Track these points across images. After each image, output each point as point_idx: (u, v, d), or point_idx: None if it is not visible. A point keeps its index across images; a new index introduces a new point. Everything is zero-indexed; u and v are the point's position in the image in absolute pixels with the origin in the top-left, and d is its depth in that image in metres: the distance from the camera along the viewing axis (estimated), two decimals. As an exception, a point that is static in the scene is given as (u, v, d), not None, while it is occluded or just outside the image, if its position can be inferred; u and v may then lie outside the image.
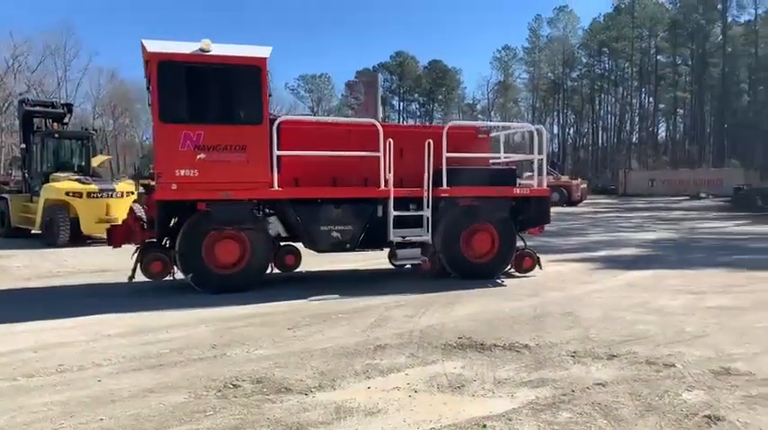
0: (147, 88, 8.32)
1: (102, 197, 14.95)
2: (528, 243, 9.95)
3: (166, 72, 7.67)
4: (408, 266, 9.97)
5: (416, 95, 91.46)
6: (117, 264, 10.01)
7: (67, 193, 14.75)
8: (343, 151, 8.69)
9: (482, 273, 9.16)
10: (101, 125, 60.70)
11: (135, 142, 75.25)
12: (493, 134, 10.77)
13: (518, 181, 10.07)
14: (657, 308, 7.22)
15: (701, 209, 33.57)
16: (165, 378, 4.62)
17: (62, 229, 14.39)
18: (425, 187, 8.85)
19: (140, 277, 8.25)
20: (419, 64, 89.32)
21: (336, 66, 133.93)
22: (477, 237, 9.25)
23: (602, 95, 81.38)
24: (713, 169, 54.37)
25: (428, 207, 8.88)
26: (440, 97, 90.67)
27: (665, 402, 4.08)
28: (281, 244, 9.05)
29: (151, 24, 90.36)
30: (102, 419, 3.84)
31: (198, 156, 7.73)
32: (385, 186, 8.70)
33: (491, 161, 10.31)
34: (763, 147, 49.43)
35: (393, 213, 8.73)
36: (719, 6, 63.61)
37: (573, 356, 5.17)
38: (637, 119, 76.13)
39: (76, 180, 15.24)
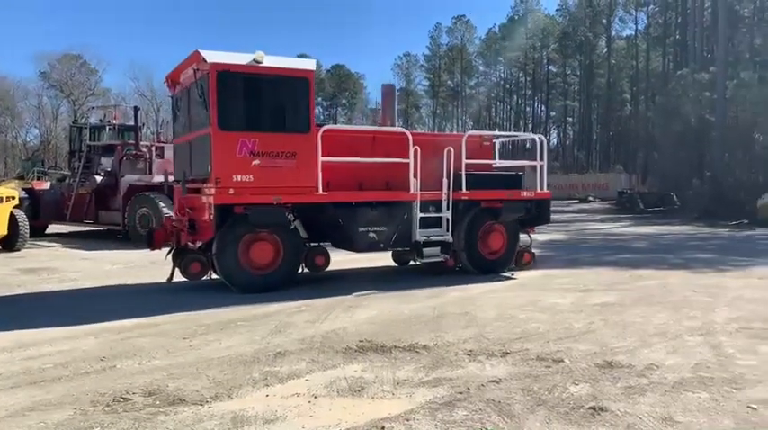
0: (191, 97, 8.75)
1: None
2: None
3: (225, 82, 8.03)
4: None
5: (320, 99, 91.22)
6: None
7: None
8: (378, 158, 9.38)
9: (494, 269, 10.21)
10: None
11: (17, 143, 70.28)
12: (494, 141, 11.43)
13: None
14: (548, 306, 7.57)
15: (589, 211, 35.61)
16: (47, 394, 4.34)
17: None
18: (445, 190, 9.61)
19: (15, 290, 7.72)
20: (322, 68, 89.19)
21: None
22: (491, 235, 10.23)
23: (498, 103, 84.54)
24: (600, 174, 57.65)
25: (448, 209, 9.64)
26: (343, 101, 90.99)
27: (553, 396, 4.28)
28: (312, 245, 9.34)
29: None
30: (-27, 443, 3.55)
31: (253, 163, 8.16)
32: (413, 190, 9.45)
33: (494, 166, 10.99)
34: (643, 153, 53.01)
35: (419, 215, 9.45)
36: (604, 21, 67.70)
37: (469, 355, 5.32)
38: (530, 126, 79.58)
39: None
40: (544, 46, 76.40)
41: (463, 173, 9.78)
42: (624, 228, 22.73)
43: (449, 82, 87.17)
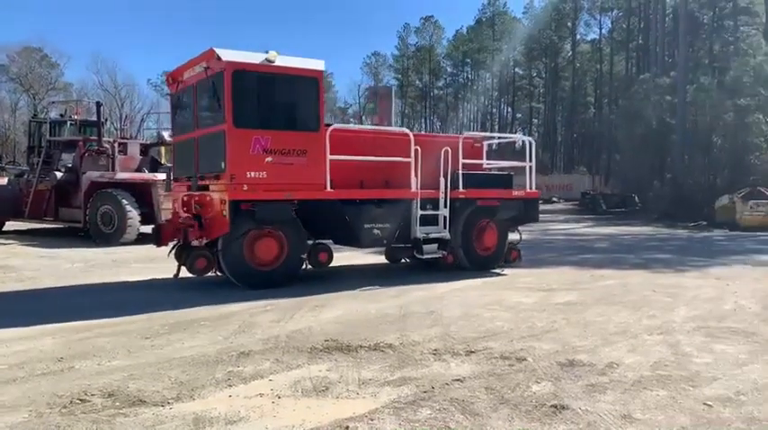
0: (199, 94, 8.85)
1: None
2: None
3: (240, 81, 8.15)
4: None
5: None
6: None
7: None
8: (379, 157, 9.56)
9: (487, 265, 10.70)
10: None
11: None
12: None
13: None
14: (512, 305, 7.65)
15: (553, 212, 36.12)
16: (1, 397, 4.21)
17: None
18: (442, 189, 9.99)
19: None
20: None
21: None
22: (485, 233, 10.66)
23: (465, 104, 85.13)
24: (564, 175, 58.56)
25: (445, 207, 10.02)
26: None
27: (516, 395, 4.33)
28: (315, 242, 9.41)
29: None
30: None
31: (266, 160, 8.30)
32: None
33: (484, 167, 11.30)
34: (606, 155, 53.99)
35: (419, 212, 9.79)
36: (570, 25, 68.74)
37: (434, 354, 5.34)
38: (497, 127, 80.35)
39: None
40: (511, 48, 77.21)
41: (460, 172, 10.21)
42: (587, 229, 23.13)
43: (417, 82, 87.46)
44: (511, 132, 74.20)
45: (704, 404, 4.13)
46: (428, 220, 9.96)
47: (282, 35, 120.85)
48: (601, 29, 66.24)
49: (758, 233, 22.04)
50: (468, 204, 10.35)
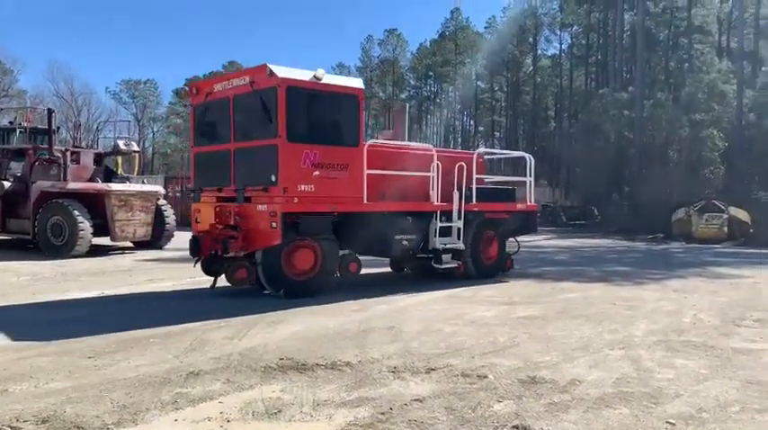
0: (238, 107, 9.02)
1: None
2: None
3: (293, 97, 8.43)
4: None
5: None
6: None
7: None
8: (408, 171, 10.09)
9: (491, 273, 11.36)
10: None
11: None
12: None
13: None
14: (474, 319, 7.53)
15: (515, 224, 36.29)
16: (-77, 425, 3.89)
17: None
18: (456, 202, 10.49)
19: None
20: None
21: (163, 72, 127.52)
22: (490, 243, 11.37)
23: (429, 116, 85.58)
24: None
25: (459, 219, 10.50)
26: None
27: (477, 415, 4.18)
28: (346, 252, 9.65)
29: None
30: None
31: (314, 174, 8.62)
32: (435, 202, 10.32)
33: (486, 181, 11.87)
34: (566, 168, 54.82)
35: (438, 224, 10.32)
36: (531, 40, 69.84)
37: (393, 372, 5.16)
38: (459, 140, 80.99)
39: None
40: (473, 62, 78.04)
41: (474, 187, 10.82)
42: (547, 241, 23.29)
43: (380, 94, 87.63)
44: (473, 146, 74.97)
45: (667, 422, 4.05)
46: (443, 232, 10.46)
47: (244, 46, 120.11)
48: (561, 44, 67.40)
49: (713, 245, 22.55)
50: (478, 216, 10.96)
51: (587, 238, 25.70)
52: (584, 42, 60.62)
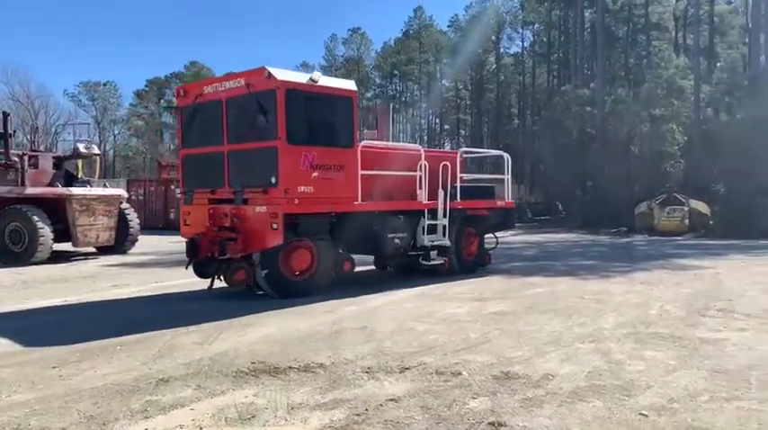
0: (231, 110, 9.06)
1: None
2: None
3: (292, 99, 8.51)
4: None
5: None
6: None
7: None
8: (397, 171, 10.33)
9: (473, 268, 11.73)
10: None
11: None
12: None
13: None
14: (445, 316, 7.54)
15: (482, 221, 36.56)
16: None
17: None
18: (440, 200, 10.74)
19: None
20: (215, 75, 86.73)
21: (123, 73, 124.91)
22: (471, 239, 11.76)
23: (395, 115, 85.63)
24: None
25: (444, 217, 10.79)
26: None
27: (453, 412, 4.17)
28: (340, 252, 9.72)
29: None
30: None
31: (312, 175, 8.74)
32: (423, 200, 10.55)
33: (465, 179, 12.04)
34: (531, 164, 55.46)
35: (427, 222, 10.57)
36: (494, 38, 70.46)
37: (367, 372, 5.13)
38: (426, 138, 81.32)
39: None
40: (438, 60, 78.38)
41: (458, 185, 11.24)
42: (514, 237, 23.48)
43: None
44: (438, 144, 75.27)
45: (640, 414, 4.10)
46: (430, 229, 10.70)
47: (206, 48, 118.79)
48: (523, 42, 68.21)
49: (675, 237, 23.05)
50: (461, 214, 11.30)
51: (553, 233, 26.03)
52: (545, 40, 61.43)
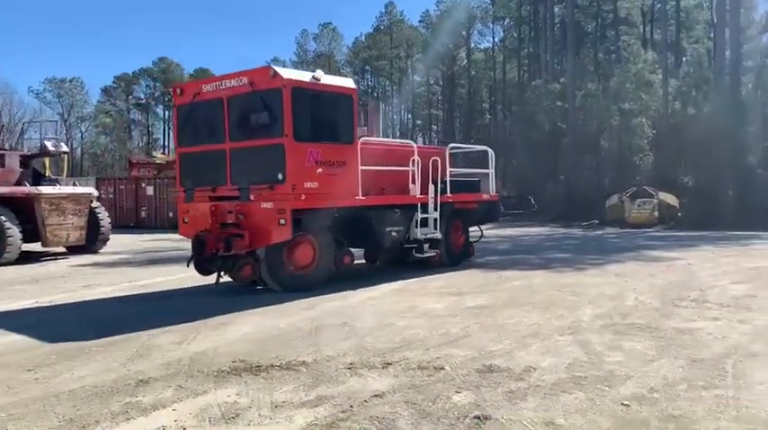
0: (234, 108, 9.19)
1: None
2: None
3: (298, 97, 8.71)
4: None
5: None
6: None
7: None
8: (391, 166, 10.53)
9: (459, 260, 12.13)
10: None
11: None
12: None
13: None
14: (425, 311, 7.56)
15: (455, 215, 36.74)
16: None
17: None
18: (431, 194, 11.03)
19: None
20: (185, 72, 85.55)
21: (90, 70, 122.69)
22: (457, 232, 12.14)
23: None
24: (463, 179, 59.87)
25: (435, 210, 11.08)
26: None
27: (437, 407, 4.18)
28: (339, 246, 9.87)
29: None
30: None
31: (317, 171, 8.94)
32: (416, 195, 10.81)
33: (451, 173, 12.11)
34: (503, 159, 55.90)
35: (420, 216, 10.85)
36: (464, 33, 70.75)
37: (350, 368, 5.12)
38: (398, 133, 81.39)
39: None
40: (409, 56, 78.43)
41: (448, 179, 11.50)
42: (488, 231, 23.60)
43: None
44: (411, 139, 75.47)
45: (622, 404, 4.15)
46: (422, 223, 10.98)
47: (176, 41, 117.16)
48: (494, 37, 68.57)
49: (645, 229, 23.44)
50: (451, 207, 11.62)
51: (526, 227, 26.23)
52: (515, 35, 61.85)
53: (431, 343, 5.94)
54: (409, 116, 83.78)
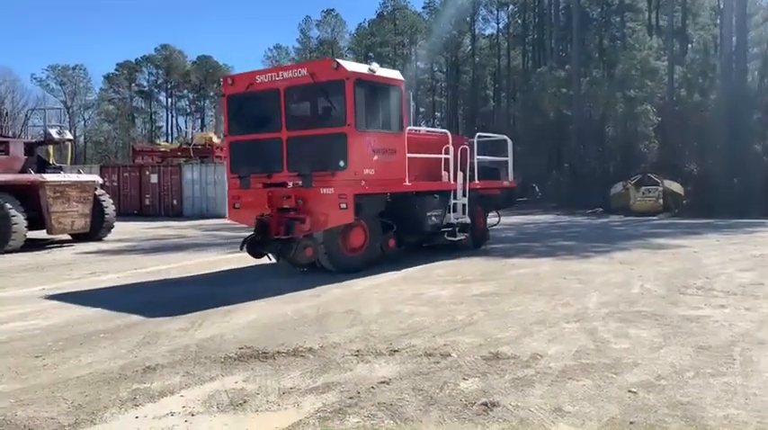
0: (291, 98, 9.67)
1: None
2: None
3: (360, 89, 9.19)
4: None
5: (186, 91, 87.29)
6: None
7: None
8: (428, 154, 10.86)
9: (481, 242, 12.84)
10: None
11: None
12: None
13: None
14: (430, 298, 7.57)
15: (459, 203, 36.71)
16: None
17: None
18: (460, 181, 11.46)
19: None
20: (187, 59, 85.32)
21: (93, 57, 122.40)
22: (480, 217, 12.67)
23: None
24: (468, 167, 59.70)
25: (464, 196, 11.53)
26: (211, 94, 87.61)
27: (445, 394, 4.18)
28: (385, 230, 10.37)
29: None
30: None
31: (374, 158, 9.49)
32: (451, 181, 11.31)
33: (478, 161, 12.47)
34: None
35: (453, 201, 11.38)
36: (468, 20, 70.30)
37: (357, 355, 5.12)
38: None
39: None
40: (413, 42, 78.03)
41: (476, 167, 11.88)
42: (491, 218, 23.61)
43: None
44: (417, 124, 75.14)
45: (629, 391, 4.15)
46: (453, 208, 11.44)
47: (178, 27, 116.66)
48: (498, 24, 68.14)
49: (650, 217, 23.38)
50: (476, 193, 12.05)
51: (530, 214, 26.18)
52: (520, 22, 61.45)
53: (437, 330, 5.94)
54: (413, 103, 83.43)
